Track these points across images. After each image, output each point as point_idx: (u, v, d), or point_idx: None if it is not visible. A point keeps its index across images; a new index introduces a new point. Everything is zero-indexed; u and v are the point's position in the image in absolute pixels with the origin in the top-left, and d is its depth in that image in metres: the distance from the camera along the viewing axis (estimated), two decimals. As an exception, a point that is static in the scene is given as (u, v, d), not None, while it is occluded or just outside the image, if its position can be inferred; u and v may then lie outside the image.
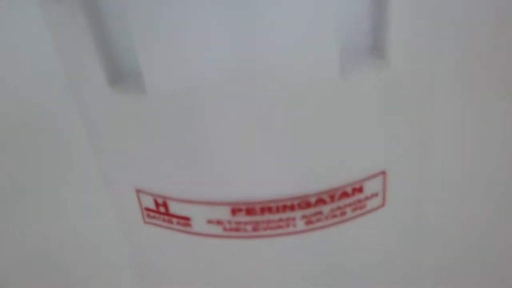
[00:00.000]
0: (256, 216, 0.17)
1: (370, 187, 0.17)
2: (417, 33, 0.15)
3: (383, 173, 0.17)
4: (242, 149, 0.16)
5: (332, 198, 0.17)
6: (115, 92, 0.16)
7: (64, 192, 0.20)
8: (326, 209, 0.17)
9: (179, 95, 0.15)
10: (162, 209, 0.18)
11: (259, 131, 0.15)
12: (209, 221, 0.18)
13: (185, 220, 0.18)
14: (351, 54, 0.15)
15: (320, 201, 0.17)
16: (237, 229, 0.18)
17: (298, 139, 0.15)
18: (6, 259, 0.22)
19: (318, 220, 0.17)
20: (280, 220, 0.17)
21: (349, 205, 0.17)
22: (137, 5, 0.13)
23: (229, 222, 0.17)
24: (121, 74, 0.16)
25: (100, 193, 0.20)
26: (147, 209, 0.19)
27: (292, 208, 0.17)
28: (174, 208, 0.18)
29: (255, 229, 0.17)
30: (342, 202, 0.17)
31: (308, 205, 0.17)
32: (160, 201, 0.18)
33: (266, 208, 0.17)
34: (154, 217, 0.19)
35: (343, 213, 0.18)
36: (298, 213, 0.17)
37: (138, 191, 0.18)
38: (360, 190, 0.17)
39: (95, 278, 0.23)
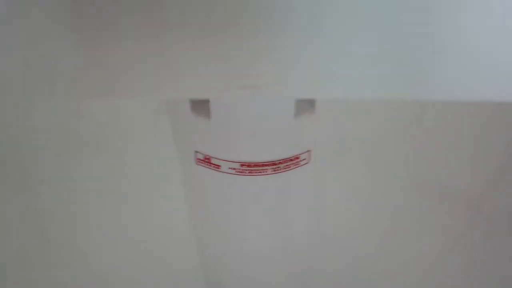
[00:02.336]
0: (251, 167, 0.39)
1: (303, 156, 0.39)
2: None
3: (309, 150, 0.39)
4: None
5: (284, 161, 0.39)
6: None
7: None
8: (281, 166, 0.39)
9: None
10: (206, 160, 0.39)
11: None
12: (230, 168, 0.39)
13: (217, 166, 0.39)
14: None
15: (280, 163, 0.39)
16: (241, 172, 0.39)
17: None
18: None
19: (278, 169, 0.39)
20: (262, 169, 0.39)
21: (292, 164, 0.39)
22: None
23: (239, 169, 0.39)
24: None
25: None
26: (198, 159, 0.40)
27: (267, 165, 0.38)
28: (213, 160, 0.39)
29: (250, 172, 0.39)
30: (289, 163, 0.39)
31: (274, 164, 0.39)
32: (207, 157, 0.39)
33: (256, 164, 0.38)
34: (201, 163, 0.40)
35: (289, 167, 0.39)
36: (269, 167, 0.39)
37: (196, 152, 0.39)
38: (298, 158, 0.39)
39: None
